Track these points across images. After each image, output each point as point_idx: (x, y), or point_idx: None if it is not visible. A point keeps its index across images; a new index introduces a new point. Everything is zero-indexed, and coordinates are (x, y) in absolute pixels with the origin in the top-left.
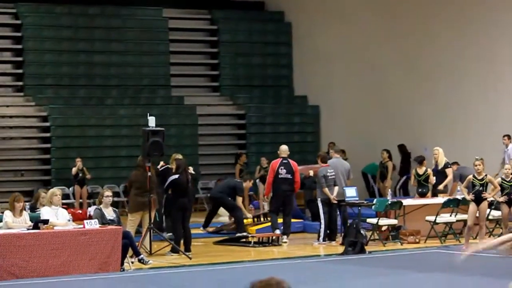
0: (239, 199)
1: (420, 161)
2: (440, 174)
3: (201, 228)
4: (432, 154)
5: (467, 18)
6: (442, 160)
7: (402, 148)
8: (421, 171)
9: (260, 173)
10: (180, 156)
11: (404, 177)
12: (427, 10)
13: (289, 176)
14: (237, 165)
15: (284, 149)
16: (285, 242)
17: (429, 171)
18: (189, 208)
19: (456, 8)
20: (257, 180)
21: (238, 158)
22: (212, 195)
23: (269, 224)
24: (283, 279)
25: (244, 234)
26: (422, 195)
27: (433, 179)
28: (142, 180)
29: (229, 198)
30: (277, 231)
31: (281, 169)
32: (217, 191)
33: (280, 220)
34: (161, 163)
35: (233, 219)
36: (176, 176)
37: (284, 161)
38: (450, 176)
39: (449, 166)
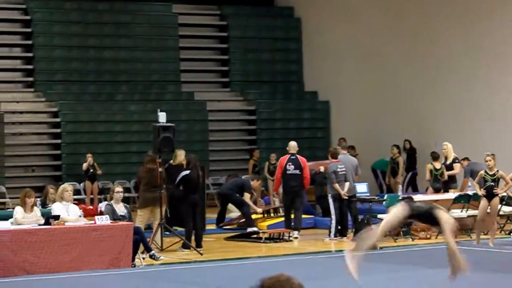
0: (247, 196)
1: (436, 156)
2: (449, 169)
3: (215, 226)
4: (441, 149)
5: (477, 15)
6: (451, 155)
7: (407, 143)
8: (438, 166)
9: (270, 169)
10: (182, 153)
11: (411, 173)
12: (436, 6)
13: (297, 171)
14: (250, 160)
15: (292, 145)
16: (296, 238)
17: (443, 166)
18: (200, 204)
19: (466, 4)
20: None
21: (252, 153)
22: (221, 192)
23: (280, 219)
24: (292, 275)
25: (255, 229)
26: (438, 190)
27: (446, 175)
28: (148, 176)
29: (237, 195)
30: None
31: (289, 165)
32: (225, 188)
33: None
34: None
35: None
36: (187, 172)
37: (292, 157)
38: (456, 170)
39: (457, 161)
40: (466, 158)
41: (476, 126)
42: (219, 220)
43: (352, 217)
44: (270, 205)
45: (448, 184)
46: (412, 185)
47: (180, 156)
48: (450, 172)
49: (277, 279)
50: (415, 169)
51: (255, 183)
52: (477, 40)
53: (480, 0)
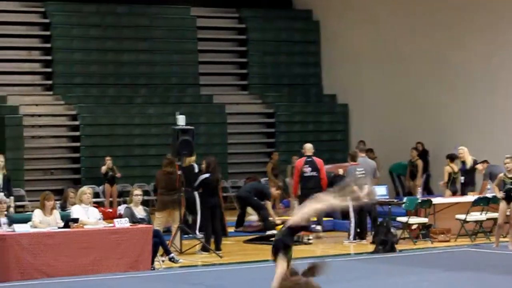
0: (268, 203)
1: (453, 158)
2: (469, 173)
3: (234, 229)
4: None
5: (498, 19)
6: (468, 159)
7: (420, 146)
8: (455, 168)
9: (292, 172)
10: (192, 159)
11: (424, 176)
12: (457, 9)
13: (314, 173)
14: (269, 163)
15: (308, 147)
16: (319, 230)
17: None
18: (219, 206)
19: (488, 8)
20: (287, 179)
21: (270, 156)
22: (238, 194)
23: None
24: (311, 278)
25: (274, 232)
26: (455, 193)
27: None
28: (166, 179)
29: (255, 198)
30: (318, 227)
31: (306, 167)
32: (243, 190)
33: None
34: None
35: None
36: (207, 175)
37: (309, 159)
38: (480, 170)
39: (477, 162)
40: (485, 161)
41: (495, 128)
42: (238, 223)
43: (372, 220)
44: (289, 209)
45: (466, 186)
46: (427, 188)
47: (190, 158)
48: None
49: (295, 282)
50: (428, 171)
51: (274, 191)
52: (498, 43)
53: (501, 4)
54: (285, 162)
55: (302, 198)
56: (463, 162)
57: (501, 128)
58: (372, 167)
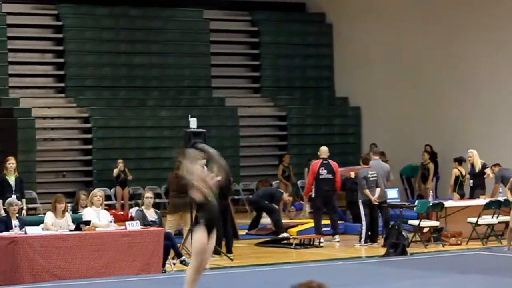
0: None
1: (461, 161)
2: (478, 177)
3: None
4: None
5: (511, 20)
6: (477, 162)
7: (428, 148)
8: (463, 171)
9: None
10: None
11: (434, 178)
12: (471, 12)
13: (330, 176)
14: (280, 165)
15: (324, 150)
16: (338, 242)
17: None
18: (229, 210)
19: (500, 10)
20: (299, 182)
21: (281, 158)
22: (251, 199)
23: (310, 225)
24: (323, 281)
25: (285, 235)
26: (463, 196)
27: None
28: (177, 182)
29: (266, 202)
30: (285, 234)
31: (322, 169)
32: (256, 195)
33: (326, 222)
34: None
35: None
36: (218, 178)
37: (325, 161)
38: (489, 175)
39: (486, 166)
40: (497, 164)
41: (508, 131)
42: (252, 226)
43: (384, 223)
44: (301, 212)
45: (475, 190)
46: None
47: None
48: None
49: (308, 285)
50: (437, 174)
51: (285, 196)
52: (511, 45)
53: None
54: (296, 165)
55: (317, 200)
56: (472, 165)
57: None
58: (385, 170)
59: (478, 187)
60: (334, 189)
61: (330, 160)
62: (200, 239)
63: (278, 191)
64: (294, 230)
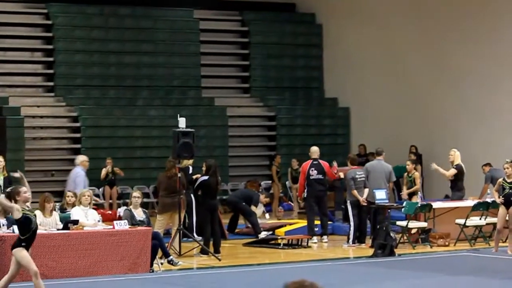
0: (254, 209)
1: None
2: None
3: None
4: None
5: (501, 23)
6: (456, 162)
7: (413, 149)
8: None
9: (292, 174)
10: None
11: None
12: (459, 14)
13: (320, 176)
14: (273, 166)
15: (314, 150)
16: (326, 242)
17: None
18: (218, 209)
19: (489, 13)
20: (287, 182)
21: (273, 159)
22: (228, 199)
23: (298, 226)
24: (315, 281)
25: (265, 233)
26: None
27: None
28: (167, 182)
29: (243, 203)
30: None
31: (312, 170)
32: (233, 195)
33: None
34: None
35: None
36: (206, 177)
37: (315, 162)
38: (447, 173)
39: (455, 167)
40: (488, 164)
41: (497, 133)
42: (231, 227)
43: (372, 224)
44: (292, 212)
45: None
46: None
47: (188, 160)
48: (444, 173)
49: (300, 284)
50: (422, 175)
51: (262, 198)
52: (500, 47)
53: (503, 7)
54: (285, 165)
55: (309, 200)
56: (452, 164)
57: (503, 131)
58: (387, 170)
59: (454, 188)
60: (325, 189)
61: (320, 160)
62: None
63: (256, 194)
64: (282, 230)
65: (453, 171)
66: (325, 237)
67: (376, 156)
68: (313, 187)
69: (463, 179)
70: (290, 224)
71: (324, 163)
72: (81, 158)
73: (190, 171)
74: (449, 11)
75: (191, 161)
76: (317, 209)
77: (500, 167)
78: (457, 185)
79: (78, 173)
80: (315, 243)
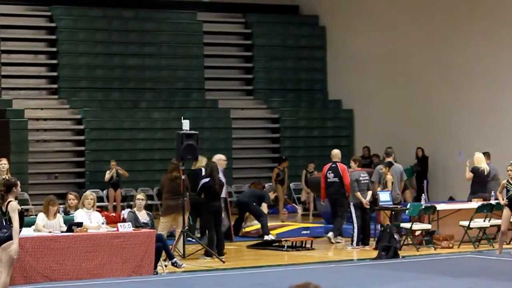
0: (264, 206)
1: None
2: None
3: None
4: (467, 159)
5: (504, 24)
6: (474, 165)
7: (420, 151)
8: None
9: (306, 177)
10: (203, 159)
11: (425, 181)
12: (463, 15)
13: (336, 179)
14: (275, 168)
15: (335, 153)
16: (339, 242)
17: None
18: (221, 212)
19: (492, 13)
20: (291, 184)
21: (280, 162)
22: (239, 200)
23: (292, 227)
24: (320, 284)
25: (272, 237)
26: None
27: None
28: (171, 184)
29: (254, 204)
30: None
31: (329, 173)
32: (244, 196)
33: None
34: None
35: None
36: (207, 179)
37: (333, 165)
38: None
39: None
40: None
41: (500, 134)
42: (235, 229)
43: (377, 226)
44: (296, 214)
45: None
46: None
47: (201, 161)
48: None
49: (305, 287)
50: (426, 178)
51: (271, 195)
52: (504, 49)
53: (506, 8)
54: (290, 168)
55: (330, 203)
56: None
57: (509, 133)
58: (398, 171)
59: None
60: (340, 192)
61: (339, 163)
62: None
63: (266, 193)
64: (274, 232)
65: (469, 174)
66: (339, 237)
67: (387, 157)
68: (329, 190)
69: (480, 181)
70: (282, 226)
71: (341, 166)
72: (218, 157)
73: (203, 173)
74: (452, 12)
75: (204, 163)
76: (333, 210)
77: (503, 170)
78: (472, 188)
79: None
80: (338, 242)
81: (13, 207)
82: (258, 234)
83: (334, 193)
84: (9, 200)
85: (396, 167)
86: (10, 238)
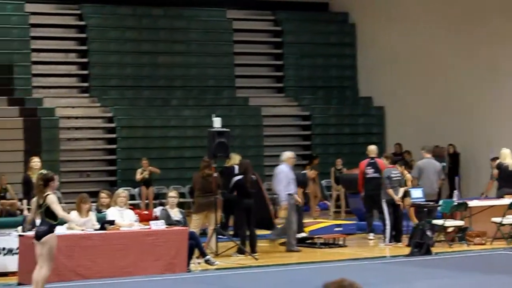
0: (300, 191)
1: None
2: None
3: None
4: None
5: None
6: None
7: (451, 148)
8: None
9: (335, 174)
10: (236, 156)
11: (457, 178)
12: (493, 9)
13: (376, 175)
14: (306, 166)
15: (372, 149)
16: (371, 239)
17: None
18: (254, 209)
19: None
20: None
21: (312, 160)
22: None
23: (323, 225)
24: (354, 280)
25: (303, 235)
26: None
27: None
28: (202, 182)
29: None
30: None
31: (369, 168)
32: None
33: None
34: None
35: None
36: (240, 177)
37: (371, 160)
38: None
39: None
40: (495, 158)
41: None
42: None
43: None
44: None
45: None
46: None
47: (234, 159)
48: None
49: (340, 283)
50: (458, 174)
51: (311, 174)
52: None
53: None
54: (321, 165)
55: (365, 199)
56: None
57: None
58: (437, 168)
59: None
60: (379, 188)
61: (377, 159)
62: None
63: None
64: (306, 229)
65: (495, 171)
66: (371, 234)
67: (426, 153)
68: (368, 185)
69: (505, 177)
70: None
71: (380, 162)
72: (288, 155)
73: (236, 171)
74: (482, 8)
75: (237, 161)
76: (369, 207)
77: None
78: (498, 183)
79: (282, 170)
80: (371, 239)
81: (52, 199)
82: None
83: (373, 189)
84: (47, 193)
85: (434, 164)
86: (48, 232)
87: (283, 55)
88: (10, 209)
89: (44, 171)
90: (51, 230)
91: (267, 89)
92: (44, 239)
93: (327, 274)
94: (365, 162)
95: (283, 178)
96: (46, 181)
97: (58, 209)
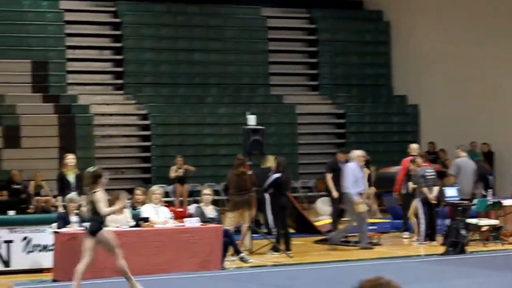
0: (329, 176)
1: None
2: None
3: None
4: None
5: None
6: None
7: (485, 147)
8: None
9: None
10: (271, 158)
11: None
12: None
13: None
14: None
15: (414, 147)
16: (406, 238)
17: None
18: (288, 207)
19: None
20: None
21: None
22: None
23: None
24: (391, 278)
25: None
26: None
27: None
28: (237, 179)
29: None
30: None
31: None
32: None
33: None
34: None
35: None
36: (279, 174)
37: (413, 158)
38: None
39: None
40: None
41: None
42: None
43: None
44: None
45: None
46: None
47: (270, 160)
48: None
49: (376, 281)
50: (491, 173)
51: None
52: None
53: None
54: None
55: (405, 197)
56: None
57: None
58: (472, 167)
59: None
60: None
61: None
62: None
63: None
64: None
65: None
66: (406, 233)
67: (461, 152)
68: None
69: None
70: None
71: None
72: (357, 153)
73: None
74: None
75: (273, 162)
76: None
77: None
78: None
79: (350, 167)
80: (406, 238)
81: (98, 197)
82: (326, 230)
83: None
84: (95, 190)
85: (471, 163)
86: (99, 228)
87: (318, 53)
88: (45, 206)
89: (93, 168)
90: (102, 225)
91: (302, 87)
92: (98, 234)
93: (362, 272)
94: (408, 159)
95: (349, 175)
96: (95, 178)
97: (101, 206)
